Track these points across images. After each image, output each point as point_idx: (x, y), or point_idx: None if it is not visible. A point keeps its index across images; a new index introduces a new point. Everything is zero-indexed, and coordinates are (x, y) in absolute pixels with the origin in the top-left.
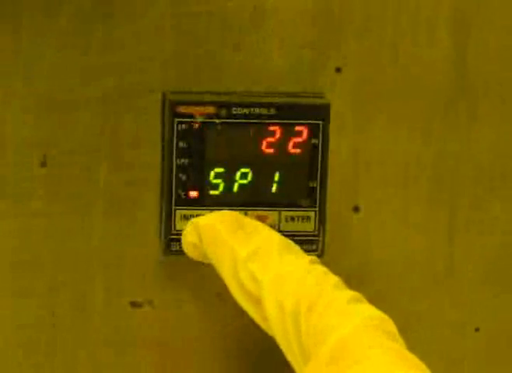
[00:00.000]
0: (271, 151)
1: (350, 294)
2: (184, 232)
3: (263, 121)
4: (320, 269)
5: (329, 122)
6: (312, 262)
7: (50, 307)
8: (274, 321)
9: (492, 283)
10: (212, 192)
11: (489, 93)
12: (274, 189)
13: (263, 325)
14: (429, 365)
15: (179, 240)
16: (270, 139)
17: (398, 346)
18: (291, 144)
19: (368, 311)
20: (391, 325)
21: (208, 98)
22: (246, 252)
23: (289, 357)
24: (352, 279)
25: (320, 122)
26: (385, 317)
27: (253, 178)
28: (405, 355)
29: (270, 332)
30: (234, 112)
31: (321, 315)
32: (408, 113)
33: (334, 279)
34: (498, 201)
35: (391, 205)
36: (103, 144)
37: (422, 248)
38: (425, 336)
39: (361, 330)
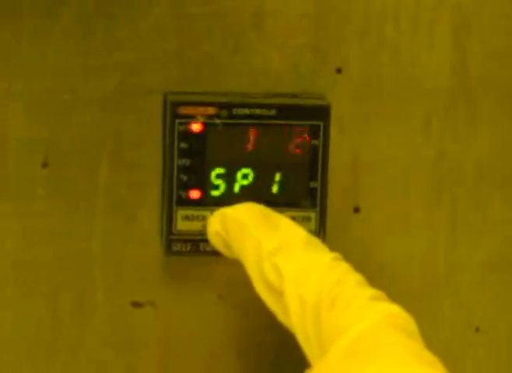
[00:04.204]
0: (271, 151)
1: (372, 291)
2: (209, 221)
3: (264, 122)
4: (344, 265)
5: (330, 123)
6: (336, 258)
7: (51, 307)
8: (294, 314)
9: (492, 283)
10: (213, 192)
11: (489, 93)
12: (275, 189)
13: (283, 320)
14: None
15: (180, 240)
16: (271, 140)
17: (417, 344)
18: (292, 144)
19: (389, 308)
20: (411, 324)
21: (208, 99)
22: (271, 245)
23: (307, 352)
24: None
25: (320, 123)
26: (406, 315)
27: (254, 178)
28: (422, 353)
29: (289, 326)
30: (235, 113)
31: (342, 311)
32: (408, 114)
33: (357, 276)
34: (498, 201)
35: (391, 206)
36: (105, 144)
37: (422, 248)
38: (425, 336)
39: (380, 327)
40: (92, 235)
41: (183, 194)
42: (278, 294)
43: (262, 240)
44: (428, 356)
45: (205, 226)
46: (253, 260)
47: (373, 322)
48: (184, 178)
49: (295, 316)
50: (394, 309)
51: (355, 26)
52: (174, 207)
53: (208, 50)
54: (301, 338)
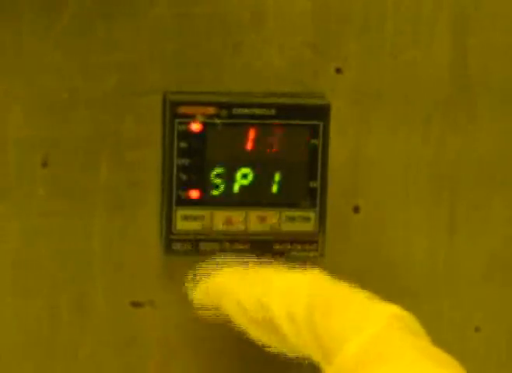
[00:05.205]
0: (271, 151)
1: (365, 293)
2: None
3: (263, 122)
4: (327, 276)
5: (329, 122)
6: (319, 271)
7: (51, 307)
8: (289, 334)
9: (492, 282)
10: (212, 192)
11: (489, 93)
12: (274, 189)
13: (284, 348)
14: None
15: (179, 240)
16: (270, 139)
17: (428, 343)
18: (291, 144)
19: (391, 309)
20: (415, 323)
21: (208, 98)
22: (251, 290)
23: (313, 359)
24: (352, 279)
25: (320, 122)
26: (408, 314)
27: (253, 178)
28: (437, 353)
29: (293, 351)
30: (235, 112)
31: (340, 316)
32: (408, 113)
33: (343, 283)
34: (498, 201)
35: (391, 205)
36: (104, 144)
37: (422, 248)
38: None
39: (388, 330)
40: (92, 234)
41: (182, 194)
42: (269, 325)
43: (241, 291)
44: (443, 355)
45: (204, 226)
46: (236, 307)
47: (379, 326)
48: (184, 178)
49: (290, 335)
50: (395, 310)
51: (355, 25)
52: (174, 207)
53: (208, 50)
54: (304, 352)
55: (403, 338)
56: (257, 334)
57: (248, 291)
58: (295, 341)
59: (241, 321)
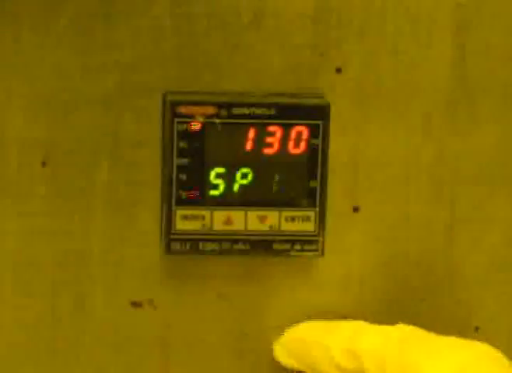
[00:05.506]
0: (271, 151)
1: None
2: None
3: (263, 121)
4: (419, 330)
5: (329, 122)
6: (409, 326)
7: (51, 307)
8: None
9: (492, 282)
10: (212, 192)
11: (489, 93)
12: (274, 189)
13: None
14: None
15: (179, 240)
16: (270, 139)
17: None
18: (291, 144)
19: (480, 347)
20: (504, 359)
21: (208, 98)
22: (339, 341)
23: None
24: (352, 279)
25: (320, 122)
26: (496, 351)
27: (253, 178)
28: None
29: None
30: (234, 112)
31: (430, 354)
32: (408, 113)
33: (433, 335)
34: (498, 201)
35: (390, 205)
36: (104, 144)
37: (422, 248)
38: None
39: (478, 364)
40: (92, 234)
41: (182, 194)
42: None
43: (328, 342)
44: None
45: (204, 226)
46: (325, 361)
47: (468, 360)
48: (184, 177)
49: None
50: (485, 347)
51: (355, 26)
52: (174, 207)
53: (208, 50)
54: None
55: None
56: None
57: (337, 341)
58: None
59: (328, 368)
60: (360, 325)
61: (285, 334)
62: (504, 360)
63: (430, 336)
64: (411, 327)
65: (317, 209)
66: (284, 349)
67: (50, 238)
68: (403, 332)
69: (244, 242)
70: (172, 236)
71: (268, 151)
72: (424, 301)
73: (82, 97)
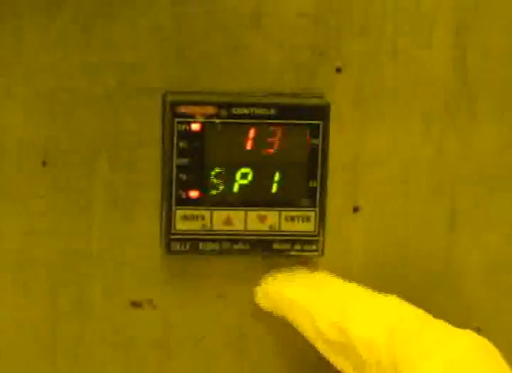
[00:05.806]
0: (271, 151)
1: (440, 322)
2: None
3: (263, 121)
4: (405, 303)
5: (329, 122)
6: (396, 298)
7: (50, 307)
8: (368, 361)
9: (492, 282)
10: (212, 192)
11: (489, 93)
12: (274, 189)
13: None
14: None
15: (179, 240)
16: (270, 139)
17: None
18: (291, 144)
19: (468, 335)
20: (492, 348)
21: (208, 98)
22: (327, 314)
23: None
24: (352, 279)
25: (320, 122)
26: (484, 339)
27: (253, 178)
28: None
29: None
30: (234, 112)
31: (420, 344)
32: (408, 113)
33: (418, 309)
34: (498, 201)
35: (391, 205)
36: (104, 144)
37: (422, 247)
38: None
39: (467, 354)
40: (92, 234)
41: (182, 194)
42: (345, 348)
43: (316, 312)
44: None
45: (204, 226)
46: (311, 329)
47: (459, 351)
48: (184, 177)
49: (367, 359)
50: (473, 335)
51: (355, 25)
52: (173, 207)
53: (208, 50)
54: None
55: (483, 363)
56: (331, 356)
57: (325, 313)
58: (374, 368)
59: (315, 341)
60: (348, 301)
61: (268, 283)
62: (495, 352)
63: (418, 323)
64: (395, 298)
65: (317, 209)
66: (266, 298)
67: (50, 238)
68: (392, 324)
69: (244, 242)
70: (172, 236)
71: (268, 151)
72: (424, 300)
73: (82, 97)
